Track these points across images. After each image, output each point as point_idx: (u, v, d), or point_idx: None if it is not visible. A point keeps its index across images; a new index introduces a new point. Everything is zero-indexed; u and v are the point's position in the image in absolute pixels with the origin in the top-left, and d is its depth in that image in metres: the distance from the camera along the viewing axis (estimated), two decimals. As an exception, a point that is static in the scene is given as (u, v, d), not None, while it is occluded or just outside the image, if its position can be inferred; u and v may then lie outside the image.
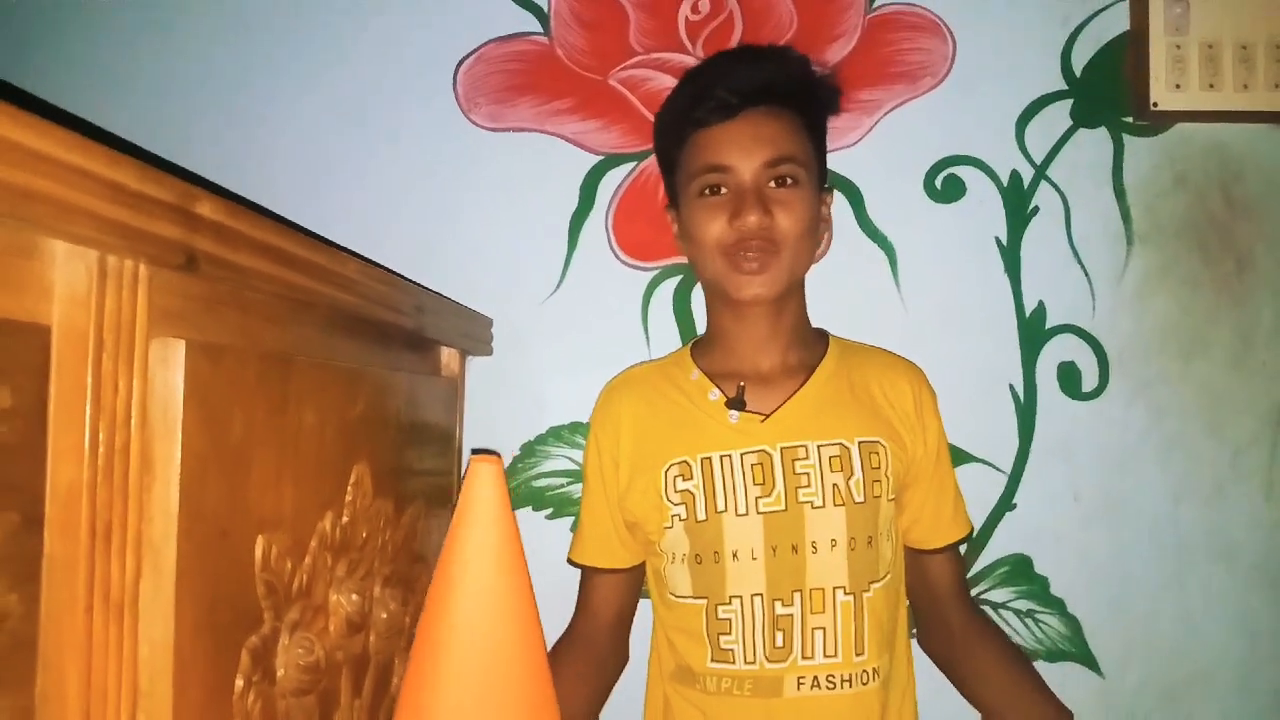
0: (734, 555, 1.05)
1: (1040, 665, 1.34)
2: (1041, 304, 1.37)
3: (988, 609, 1.35)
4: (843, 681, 1.04)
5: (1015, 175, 1.38)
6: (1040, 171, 1.38)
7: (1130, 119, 1.38)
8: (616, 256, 1.39)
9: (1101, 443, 1.36)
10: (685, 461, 1.08)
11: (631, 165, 1.39)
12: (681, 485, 1.07)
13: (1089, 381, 1.37)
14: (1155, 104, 1.34)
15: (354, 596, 0.79)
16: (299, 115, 1.41)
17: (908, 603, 1.16)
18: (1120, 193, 1.38)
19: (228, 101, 1.41)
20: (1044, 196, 1.38)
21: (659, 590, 1.14)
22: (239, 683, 0.62)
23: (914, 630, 1.20)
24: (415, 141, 1.40)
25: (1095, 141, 1.38)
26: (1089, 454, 1.36)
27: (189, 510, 0.56)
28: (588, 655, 1.16)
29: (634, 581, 1.18)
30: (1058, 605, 1.36)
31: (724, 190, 1.06)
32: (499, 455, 0.78)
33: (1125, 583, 1.36)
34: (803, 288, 1.14)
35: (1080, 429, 1.36)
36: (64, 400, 0.48)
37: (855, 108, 1.38)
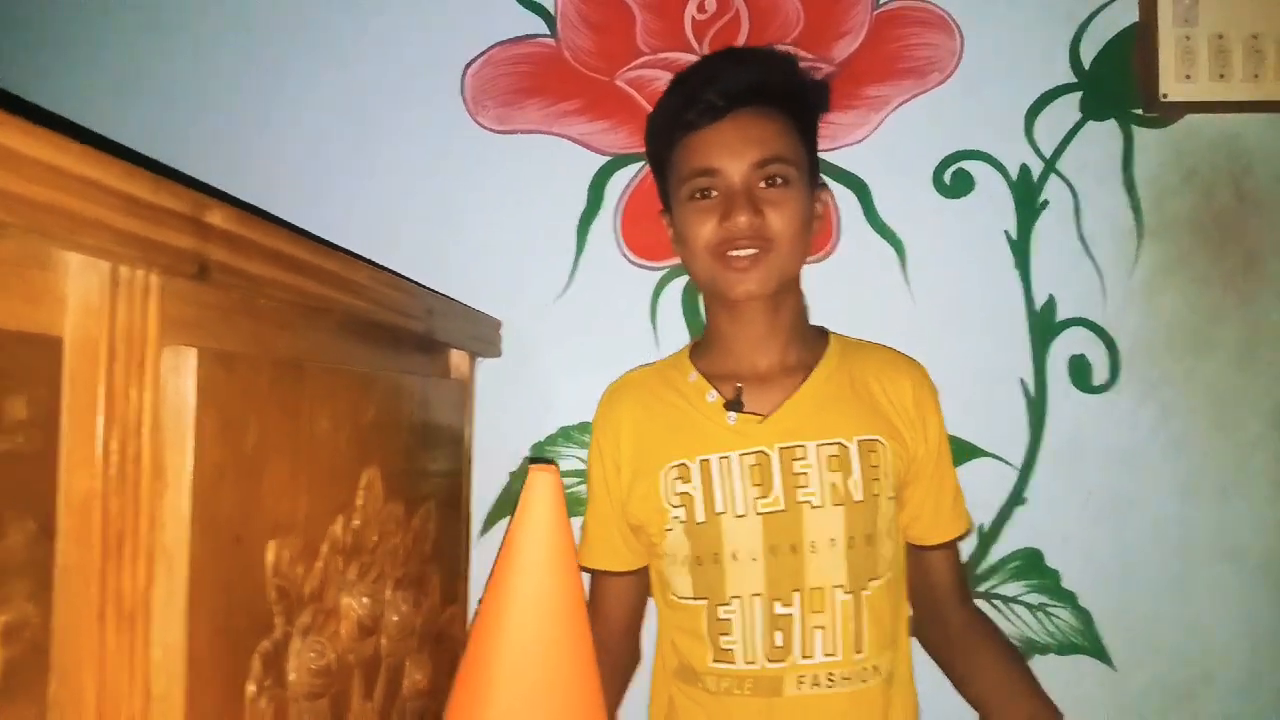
0: (733, 556, 1.05)
1: (1052, 659, 1.35)
2: (1052, 298, 1.37)
3: (999, 603, 1.35)
4: (843, 679, 1.04)
5: (1024, 169, 1.37)
6: (1049, 165, 1.38)
7: (1140, 111, 1.37)
8: (625, 257, 1.39)
9: (1112, 437, 1.36)
10: (684, 464, 1.08)
11: (639, 165, 1.39)
12: (680, 488, 1.08)
13: (1100, 375, 1.36)
14: (1165, 95, 1.33)
15: (365, 600, 0.79)
16: (306, 119, 1.41)
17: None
18: (1130, 186, 1.37)
19: (235, 105, 1.42)
20: (1053, 190, 1.37)
21: (662, 591, 1.15)
22: (251, 688, 0.62)
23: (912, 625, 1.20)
24: (423, 145, 1.40)
25: (1104, 134, 1.38)
26: (1100, 448, 1.36)
27: (201, 517, 0.56)
28: (602, 658, 1.16)
29: (642, 583, 1.18)
30: (1069, 599, 1.35)
31: (714, 193, 1.06)
32: (556, 465, 0.79)
33: (1136, 576, 1.35)
34: (799, 285, 1.14)
35: (1091, 423, 1.36)
36: (76, 410, 0.49)
37: (863, 104, 1.38)
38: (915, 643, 1.18)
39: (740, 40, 1.38)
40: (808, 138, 1.13)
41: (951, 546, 1.16)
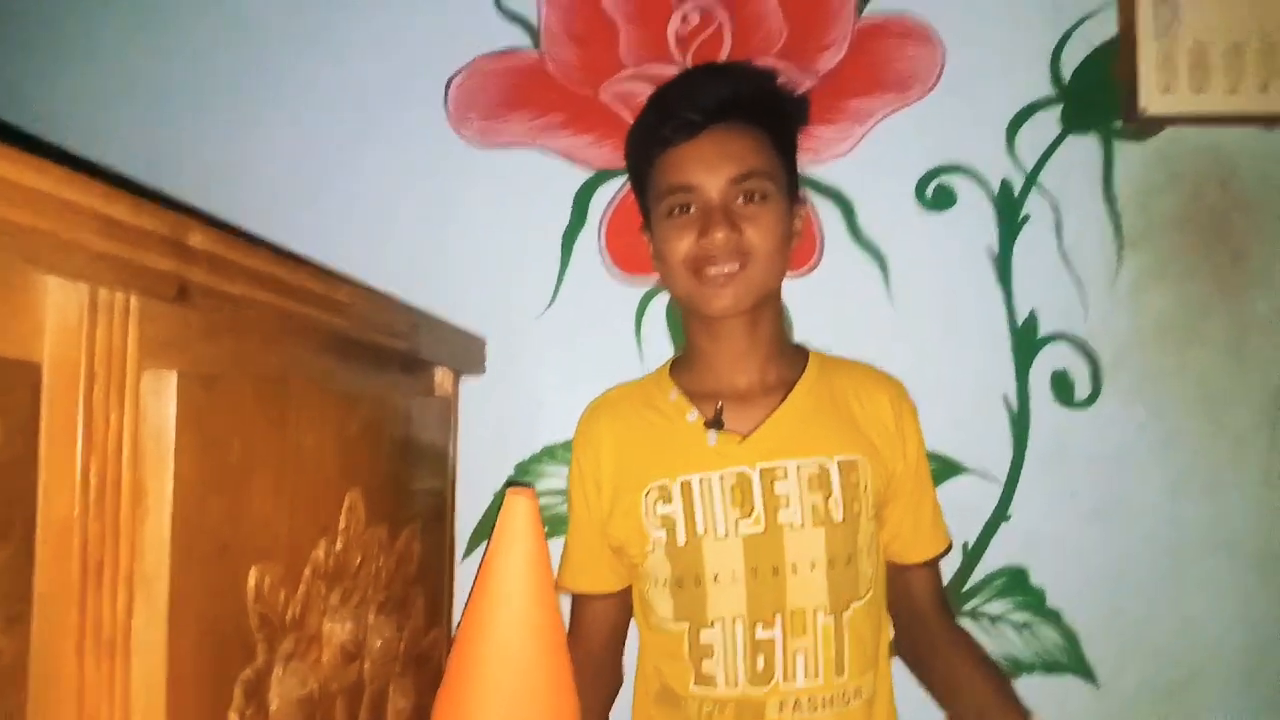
0: (715, 578, 1.04)
1: (1038, 677, 1.35)
2: (1033, 312, 1.37)
3: (984, 621, 1.35)
4: (824, 703, 1.03)
5: (1006, 183, 1.38)
6: (1031, 179, 1.38)
7: (1120, 124, 1.38)
8: (609, 271, 1.39)
9: (1096, 450, 1.36)
10: (664, 485, 1.07)
11: (623, 180, 1.38)
12: (662, 509, 1.07)
13: (1082, 390, 1.37)
14: (1145, 108, 1.35)
15: (348, 624, 0.78)
16: (289, 132, 1.40)
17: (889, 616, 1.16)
18: (1111, 199, 1.38)
19: (217, 119, 1.41)
20: (1035, 204, 1.38)
21: (643, 615, 1.14)
22: (232, 717, 0.61)
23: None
24: (406, 158, 1.39)
25: (1086, 147, 1.38)
26: (1083, 462, 1.36)
27: (182, 543, 0.55)
28: (583, 681, 1.15)
29: (624, 605, 1.17)
30: (1054, 617, 1.35)
31: (692, 209, 1.06)
32: (533, 488, 0.78)
33: (1122, 593, 1.35)
34: (779, 303, 1.14)
35: (1074, 437, 1.36)
36: (55, 435, 0.47)
37: (846, 117, 1.38)
38: (896, 663, 1.17)
39: (724, 53, 1.38)
40: (786, 152, 1.12)
41: (932, 564, 1.16)
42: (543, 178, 1.38)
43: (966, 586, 1.35)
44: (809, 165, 1.35)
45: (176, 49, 1.42)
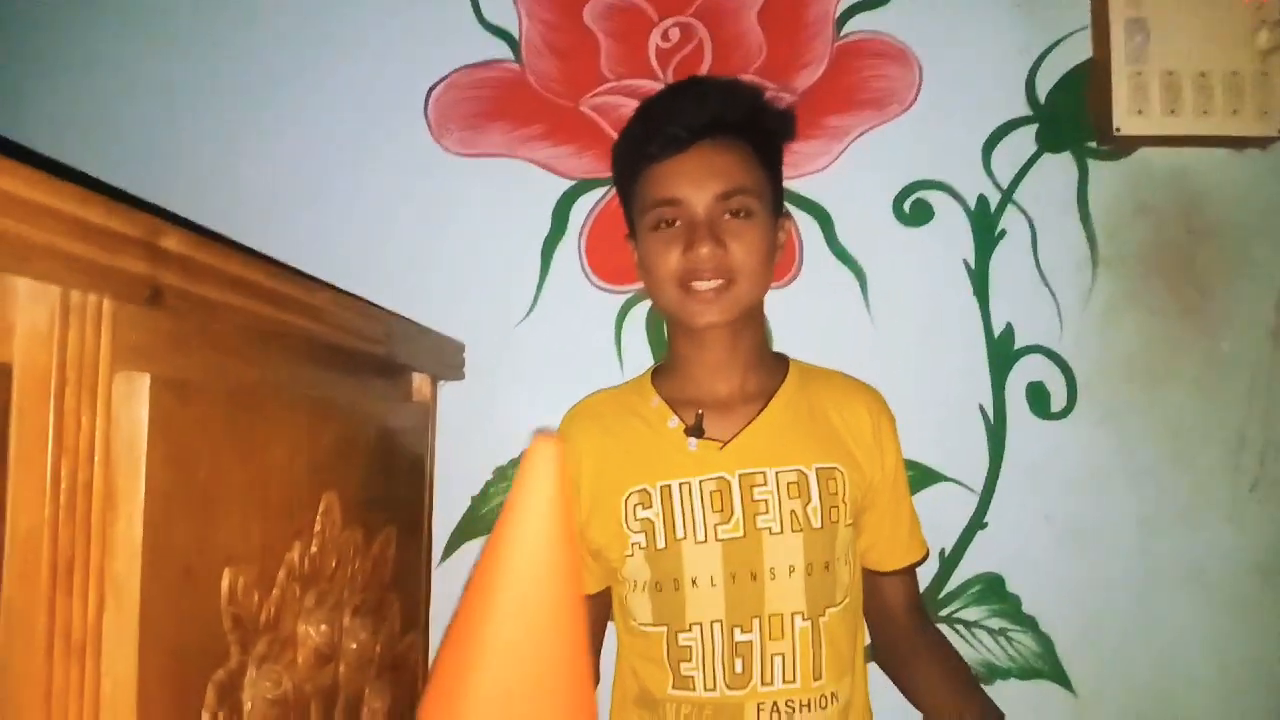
0: (693, 582, 1.05)
1: (1013, 684, 1.36)
2: (1010, 325, 1.39)
3: (961, 627, 1.36)
4: (802, 707, 1.04)
5: (982, 199, 1.40)
6: (1007, 196, 1.40)
7: (1094, 144, 1.40)
8: (589, 280, 1.40)
9: (1071, 463, 1.38)
10: (645, 489, 1.08)
11: (604, 190, 1.40)
12: (641, 513, 1.07)
13: (1058, 401, 1.39)
14: (1118, 129, 1.37)
15: (323, 627, 0.78)
16: (269, 142, 1.41)
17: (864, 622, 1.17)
18: (1085, 217, 1.40)
19: (195, 129, 1.41)
20: (1011, 220, 1.40)
21: (622, 618, 1.14)
22: (205, 718, 0.61)
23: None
24: (386, 168, 1.40)
25: (1060, 166, 1.41)
26: (1059, 474, 1.38)
27: (153, 545, 0.55)
28: None
29: (601, 607, 1.18)
30: (1030, 624, 1.37)
31: (677, 222, 1.07)
32: (554, 436, 0.77)
33: (1097, 602, 1.37)
34: (761, 313, 1.15)
35: (1050, 449, 1.38)
36: (26, 437, 0.48)
37: (824, 133, 1.40)
38: (875, 669, 1.18)
39: (703, 69, 1.40)
40: (772, 167, 1.13)
41: (908, 572, 1.17)
42: (523, 187, 1.40)
43: (943, 592, 1.36)
44: (788, 179, 1.35)
45: (158, 59, 1.43)
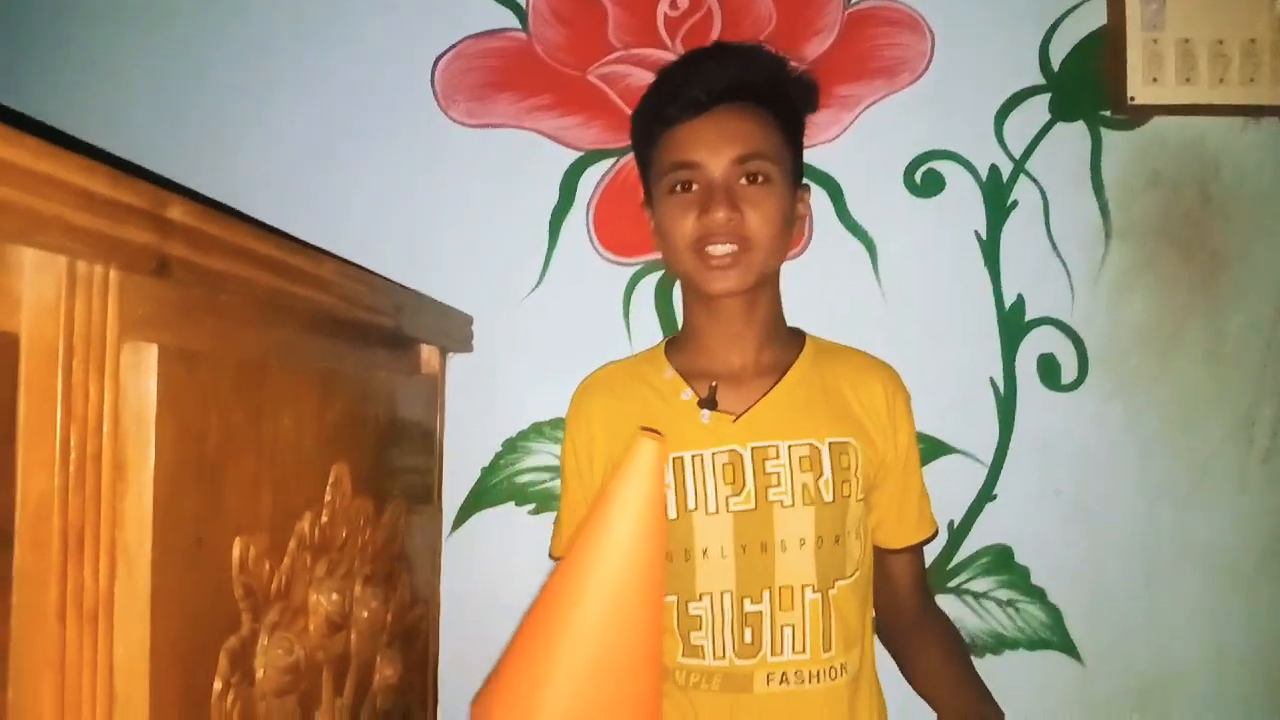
0: (704, 553, 1.05)
1: (1021, 654, 1.36)
2: (1021, 297, 1.38)
3: (969, 599, 1.36)
4: (811, 677, 1.05)
5: (994, 169, 1.39)
6: (1019, 166, 1.39)
7: (1108, 113, 1.39)
8: (597, 252, 1.39)
9: (1081, 435, 1.38)
10: None
11: (612, 161, 1.39)
12: None
13: (1068, 373, 1.38)
14: (1132, 98, 1.35)
15: (334, 596, 0.79)
16: (274, 114, 1.40)
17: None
18: (1098, 187, 1.39)
19: (200, 99, 1.41)
20: (1023, 190, 1.39)
21: None
22: (217, 685, 0.62)
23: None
24: (393, 138, 1.40)
25: (1073, 136, 1.39)
26: (1069, 446, 1.38)
27: (163, 515, 0.56)
28: None
29: None
30: (1038, 595, 1.37)
31: (694, 187, 1.06)
32: (660, 435, 0.77)
33: (1105, 574, 1.37)
34: (777, 284, 1.14)
35: (1060, 421, 1.38)
36: (34, 408, 0.48)
37: (834, 103, 1.38)
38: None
39: (713, 37, 1.38)
40: (792, 136, 1.12)
41: (915, 549, 1.17)
42: (531, 158, 1.39)
43: (952, 564, 1.37)
44: (798, 149, 1.35)
45: (163, 31, 1.42)
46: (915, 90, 1.39)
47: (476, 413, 1.36)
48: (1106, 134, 1.39)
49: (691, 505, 1.06)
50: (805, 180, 1.18)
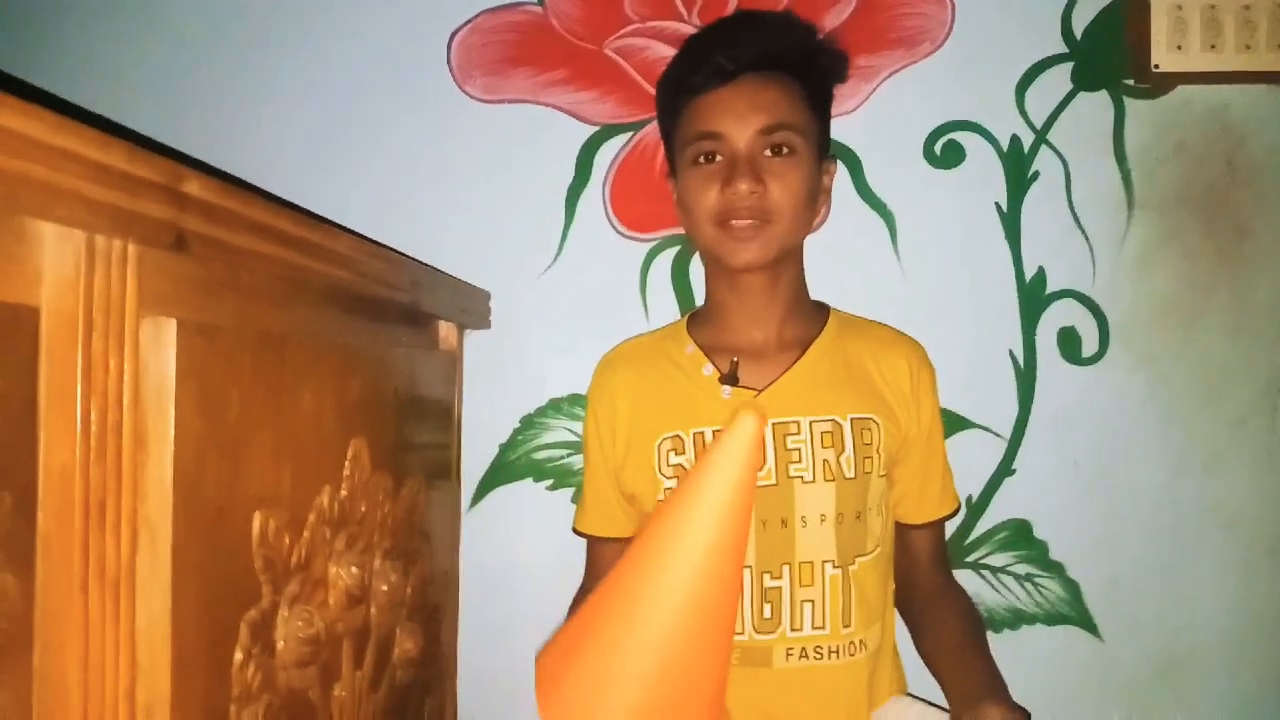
0: None
1: (1039, 629, 1.36)
2: (1042, 270, 1.37)
3: (987, 573, 1.36)
4: (830, 653, 1.05)
5: (1015, 140, 1.37)
6: (1040, 136, 1.37)
7: (1131, 82, 1.37)
8: (614, 228, 1.39)
9: (1101, 409, 1.37)
10: (678, 435, 1.08)
11: (628, 135, 1.38)
12: (674, 459, 1.08)
13: (1089, 347, 1.37)
14: (1156, 66, 1.33)
15: (353, 569, 0.80)
16: (290, 89, 1.40)
17: None
18: (1121, 157, 1.37)
19: (217, 77, 1.41)
20: (1044, 161, 1.37)
21: None
22: (238, 655, 0.63)
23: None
24: (409, 114, 1.39)
25: (1096, 105, 1.37)
26: (1088, 420, 1.37)
27: (184, 487, 0.56)
28: None
29: None
30: (1057, 570, 1.37)
31: (718, 158, 1.05)
32: (764, 409, 0.76)
33: (1125, 549, 1.36)
34: (800, 258, 1.14)
35: (1080, 395, 1.37)
36: (55, 381, 0.48)
37: (853, 74, 1.36)
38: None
39: (730, 8, 1.37)
40: (819, 107, 1.11)
41: (936, 526, 1.17)
42: (547, 133, 1.38)
43: (970, 539, 1.36)
44: (816, 121, 1.34)
45: (178, 7, 1.42)
46: (935, 60, 1.37)
47: (494, 389, 1.36)
48: (1130, 103, 1.37)
49: None
50: (833, 153, 1.17)
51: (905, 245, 1.38)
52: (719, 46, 1.07)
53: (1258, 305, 1.36)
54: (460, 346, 1.25)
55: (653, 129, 1.36)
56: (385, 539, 0.90)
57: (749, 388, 1.08)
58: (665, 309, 1.38)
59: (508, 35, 1.39)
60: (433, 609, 1.09)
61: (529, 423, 1.39)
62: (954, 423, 1.35)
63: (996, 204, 1.37)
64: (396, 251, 0.98)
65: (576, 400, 1.38)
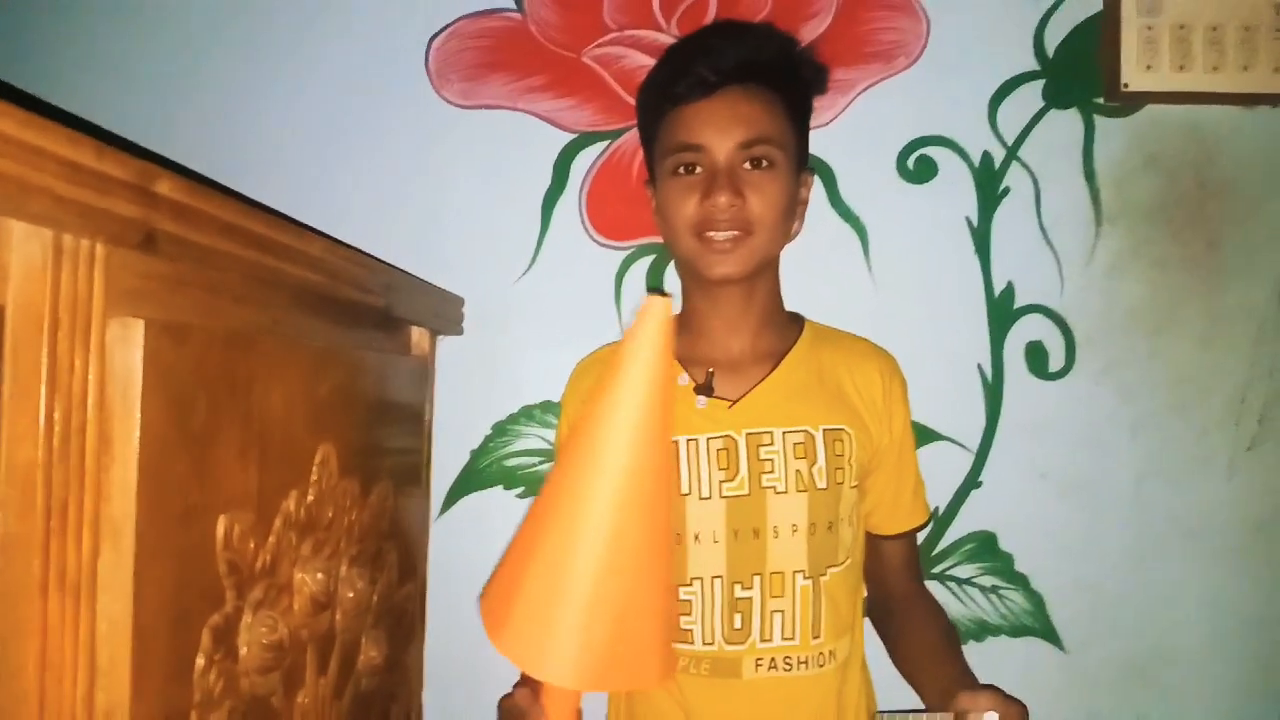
0: (695, 538, 1.06)
1: (1003, 641, 1.37)
2: (1010, 284, 1.39)
3: (953, 585, 1.37)
4: (800, 663, 1.05)
5: (987, 156, 1.39)
6: (1011, 152, 1.39)
7: (1102, 100, 1.39)
8: (590, 236, 1.39)
9: (1067, 422, 1.38)
10: None
11: (605, 144, 1.38)
12: None
13: (1056, 361, 1.38)
14: (1126, 84, 1.35)
15: (319, 575, 0.79)
16: (268, 92, 1.39)
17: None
18: (1090, 174, 1.39)
19: (195, 77, 1.40)
20: (1015, 177, 1.39)
21: None
22: (200, 660, 0.62)
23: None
24: (386, 118, 1.39)
25: (1067, 122, 1.39)
26: (1055, 433, 1.38)
27: (148, 489, 0.56)
28: None
29: None
30: (1022, 581, 1.38)
31: (697, 169, 1.05)
32: (669, 294, 0.74)
33: (1088, 560, 1.38)
34: (776, 270, 1.14)
35: (1047, 409, 1.38)
36: (19, 379, 0.48)
37: (829, 87, 1.37)
38: (868, 625, 1.19)
39: (708, 19, 1.38)
40: (799, 120, 1.11)
41: (908, 536, 1.17)
42: (524, 140, 1.38)
43: (937, 550, 1.37)
44: (790, 133, 1.35)
45: (158, 9, 1.41)
46: (910, 75, 1.39)
47: (466, 395, 1.36)
48: (1100, 121, 1.39)
49: (685, 490, 1.06)
50: (811, 165, 1.17)
51: (877, 258, 1.39)
52: (702, 57, 1.07)
53: (1224, 316, 1.38)
54: (433, 352, 1.25)
55: (630, 137, 1.36)
56: (352, 545, 0.90)
57: (723, 398, 1.09)
58: (639, 317, 1.38)
59: (486, 41, 1.39)
60: (399, 616, 1.08)
61: (501, 429, 1.38)
62: (922, 435, 1.35)
63: (967, 219, 1.39)
64: (369, 256, 0.98)
65: (549, 408, 1.37)
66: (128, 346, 0.54)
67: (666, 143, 1.08)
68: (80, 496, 0.52)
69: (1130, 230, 1.39)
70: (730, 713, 1.05)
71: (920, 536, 1.23)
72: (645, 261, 1.39)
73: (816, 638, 1.05)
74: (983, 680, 1.10)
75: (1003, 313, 1.38)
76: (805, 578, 1.05)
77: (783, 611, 1.05)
